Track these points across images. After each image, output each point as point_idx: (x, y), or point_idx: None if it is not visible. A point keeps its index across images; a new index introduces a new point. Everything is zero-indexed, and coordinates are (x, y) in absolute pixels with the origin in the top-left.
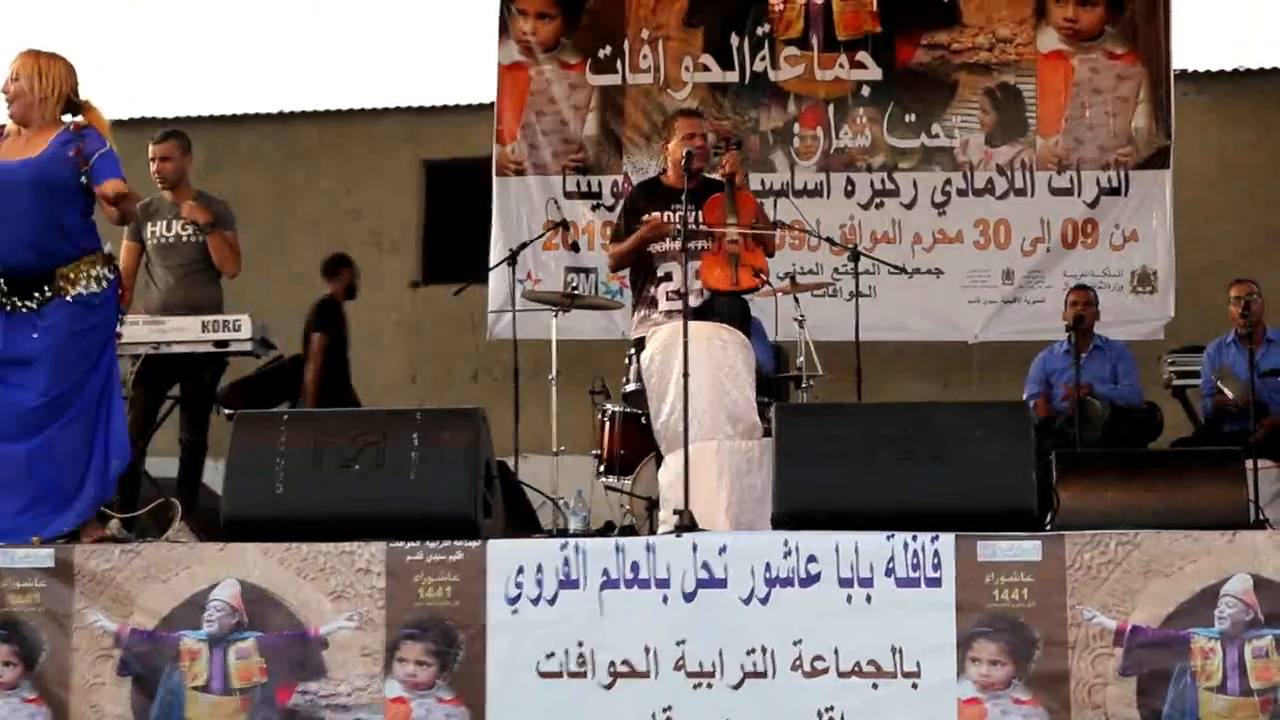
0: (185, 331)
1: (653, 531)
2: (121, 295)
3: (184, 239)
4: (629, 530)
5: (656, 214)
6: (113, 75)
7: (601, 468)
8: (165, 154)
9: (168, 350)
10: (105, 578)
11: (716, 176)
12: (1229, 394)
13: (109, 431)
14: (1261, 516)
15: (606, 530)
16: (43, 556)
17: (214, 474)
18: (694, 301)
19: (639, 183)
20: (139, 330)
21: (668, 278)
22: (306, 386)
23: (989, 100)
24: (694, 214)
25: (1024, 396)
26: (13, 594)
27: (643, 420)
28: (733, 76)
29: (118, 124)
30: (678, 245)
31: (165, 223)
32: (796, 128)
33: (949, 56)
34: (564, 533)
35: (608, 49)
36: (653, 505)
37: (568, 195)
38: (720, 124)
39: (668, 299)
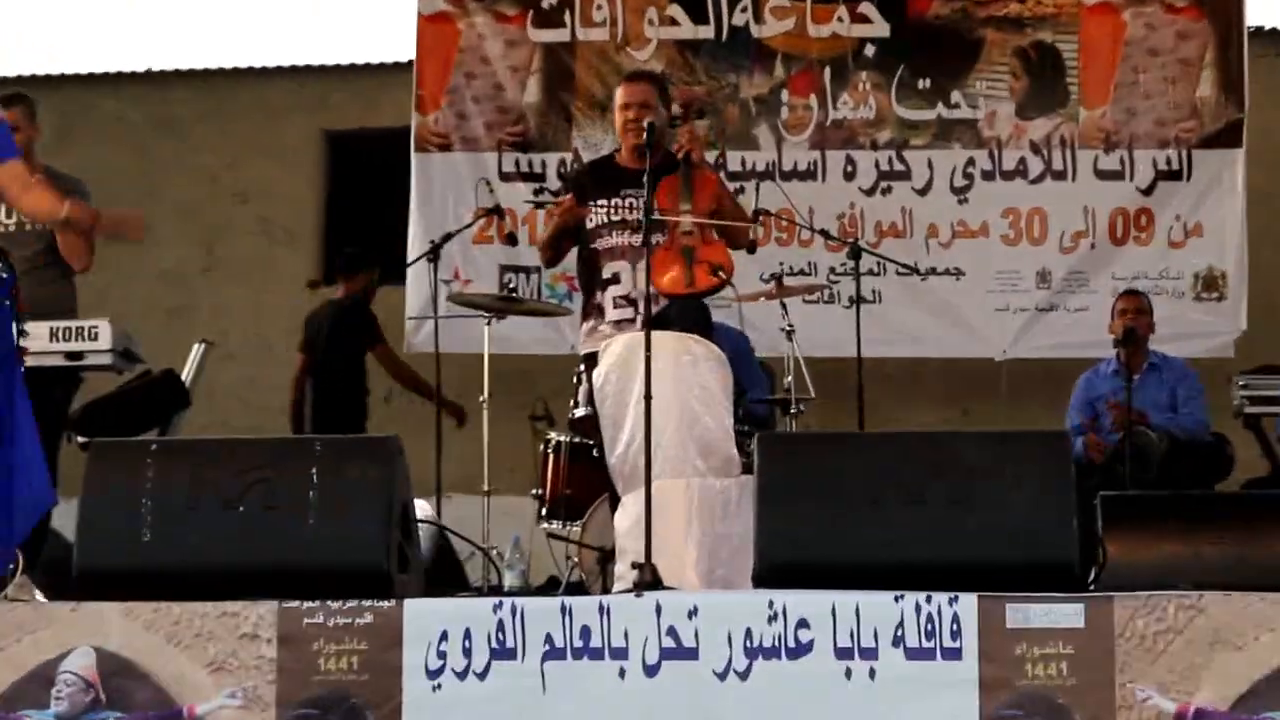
0: (30, 340)
1: (606, 590)
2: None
3: (27, 227)
4: (578, 588)
5: (604, 201)
6: None
7: (544, 511)
8: (14, 123)
9: None
10: None
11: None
12: None
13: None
14: None
15: (550, 588)
16: None
17: (65, 516)
18: (642, 309)
19: (589, 161)
20: None
21: (614, 279)
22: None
23: (1021, 62)
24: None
25: (1067, 427)
26: None
27: (594, 453)
28: (707, 32)
29: None
30: (625, 239)
31: (5, 207)
32: (785, 95)
33: (972, 8)
34: (498, 590)
35: None
36: (606, 557)
37: (504, 176)
38: (691, 91)
39: (615, 305)
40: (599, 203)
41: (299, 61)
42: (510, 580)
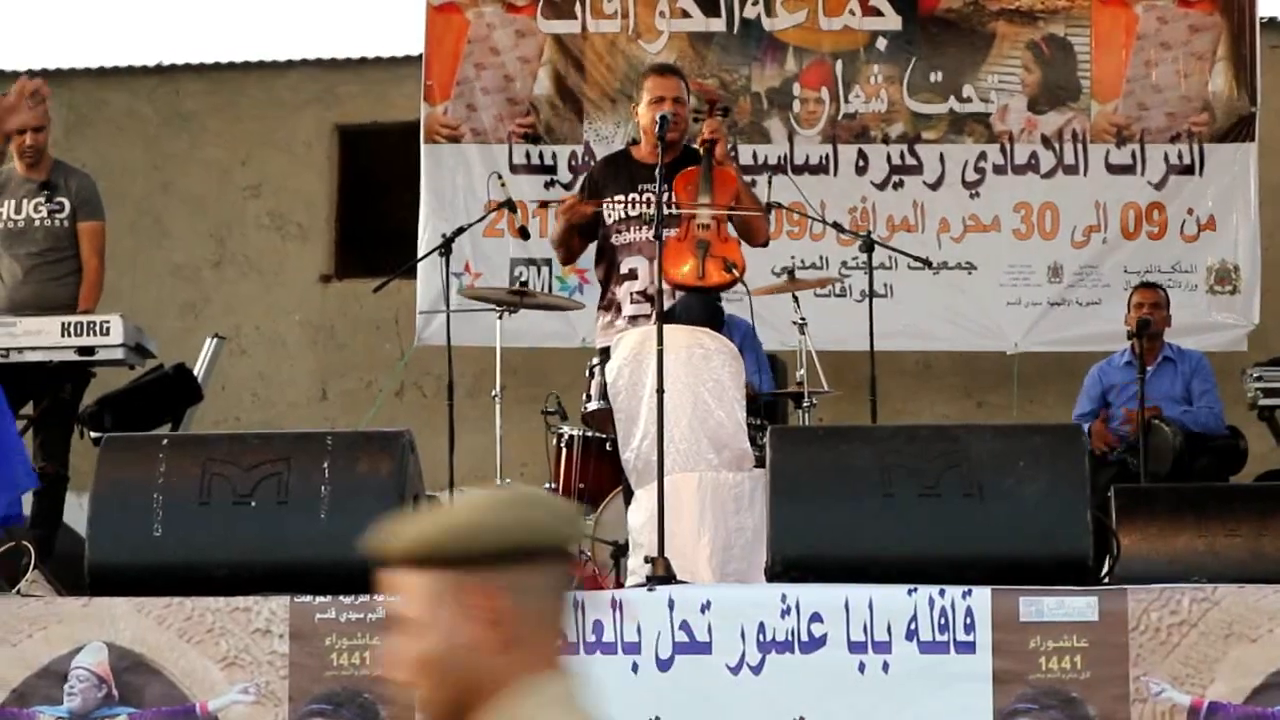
0: (42, 335)
1: (620, 584)
2: None
3: (37, 221)
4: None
5: (621, 196)
6: None
7: None
8: (39, 122)
9: (19, 359)
10: None
11: (699, 148)
12: None
13: None
14: None
15: None
16: None
17: (77, 511)
18: (665, 302)
19: (604, 156)
20: None
21: (631, 275)
22: None
23: (1033, 56)
24: (667, 194)
25: (1073, 417)
26: None
27: (608, 447)
28: (719, 25)
29: None
30: (643, 235)
31: (15, 202)
32: (797, 88)
33: (984, 2)
34: None
35: None
36: (620, 551)
37: (515, 169)
38: (703, 84)
39: (632, 301)
40: (616, 199)
41: (310, 55)
42: None
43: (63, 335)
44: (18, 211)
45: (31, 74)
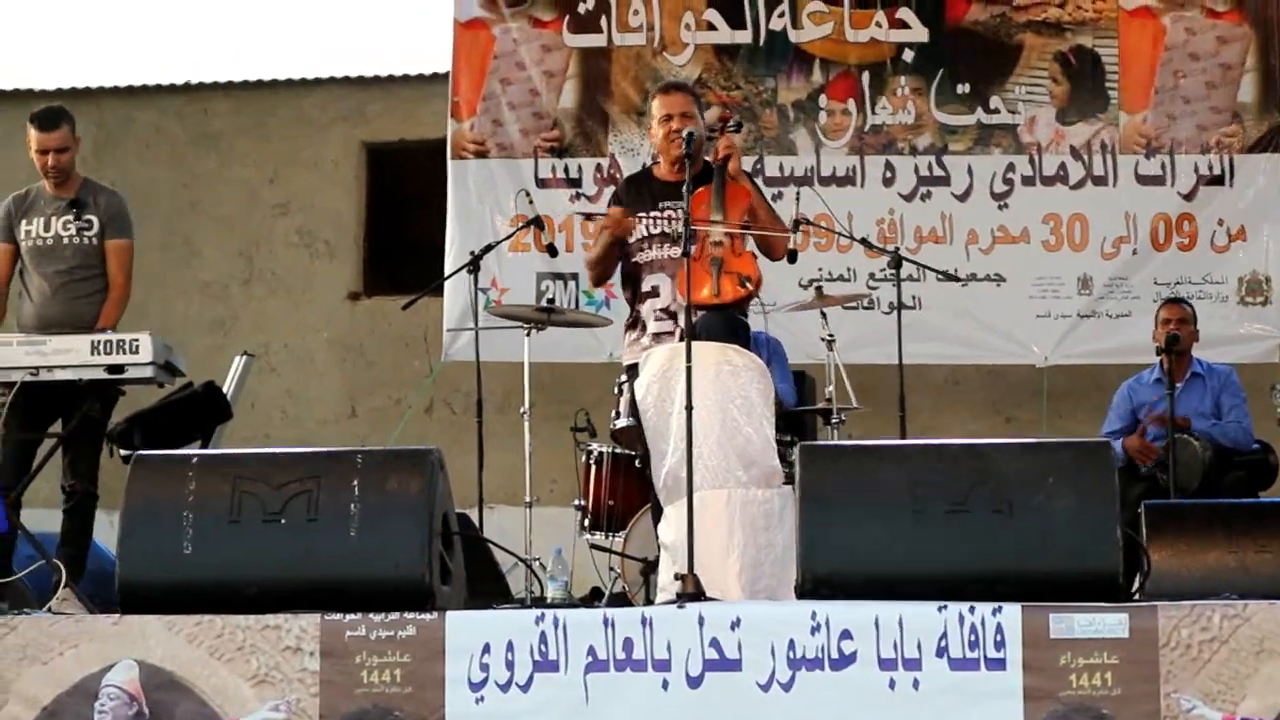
0: (71, 354)
1: (649, 601)
2: None
3: (66, 240)
4: (620, 599)
5: (644, 214)
6: None
7: (586, 522)
8: (61, 144)
9: (49, 377)
10: None
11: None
12: None
13: None
14: None
15: (593, 599)
16: None
17: (107, 529)
18: (682, 321)
19: (627, 176)
20: (12, 352)
21: (654, 293)
22: None
23: (1061, 67)
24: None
25: (1102, 433)
26: None
27: (636, 464)
28: (744, 37)
29: None
30: (665, 252)
31: (44, 220)
32: (823, 100)
33: (1011, 13)
34: (540, 602)
35: (590, 2)
36: (649, 568)
37: (541, 183)
38: (729, 96)
39: (655, 319)
40: (638, 215)
41: (337, 74)
42: (552, 592)
43: (92, 353)
44: (46, 230)
45: (61, 93)
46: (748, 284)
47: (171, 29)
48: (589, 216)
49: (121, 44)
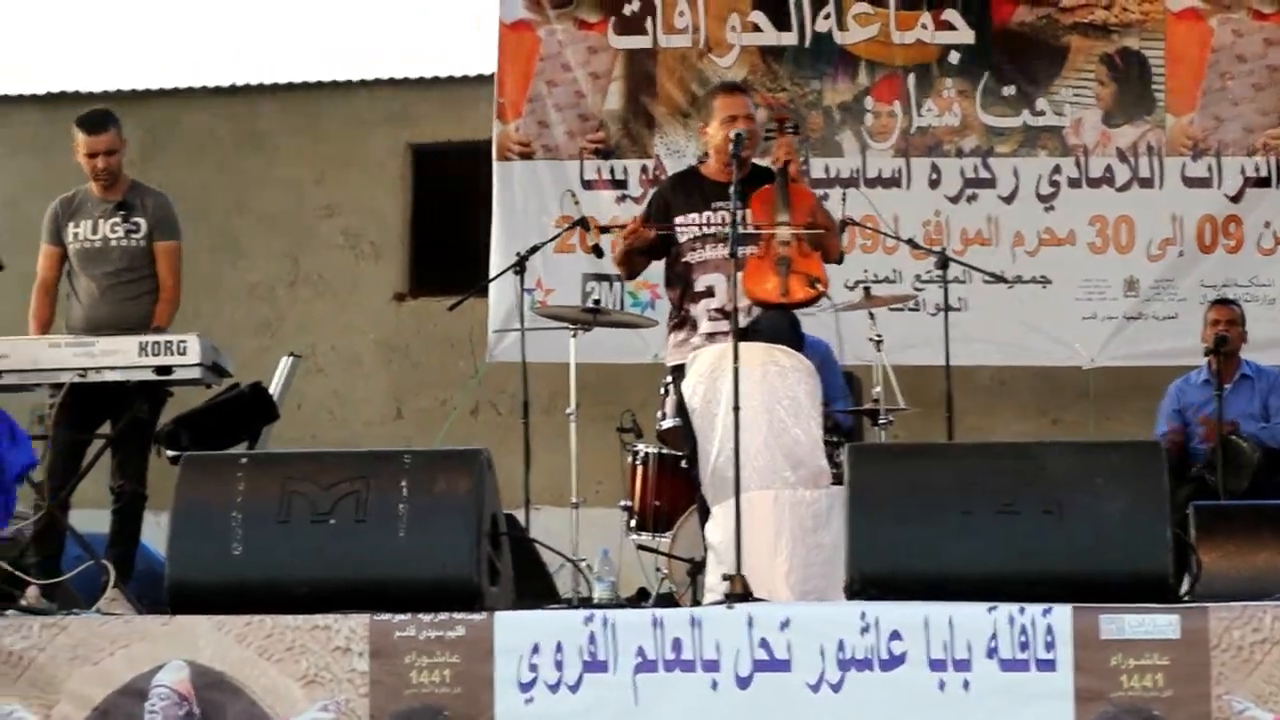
0: (119, 355)
1: (697, 601)
2: None
3: (114, 242)
4: (667, 600)
5: (694, 215)
6: (27, 45)
7: (632, 522)
8: (108, 146)
9: (97, 378)
10: (22, 659)
11: (766, 164)
12: None
13: None
14: None
15: (640, 599)
16: None
17: (155, 530)
18: (740, 320)
19: (673, 174)
20: (61, 354)
21: (708, 293)
22: None
23: (1107, 69)
24: (742, 211)
25: (1155, 435)
26: None
27: (683, 464)
28: (790, 39)
29: (32, 100)
30: (720, 253)
31: (91, 223)
32: (869, 102)
33: (1058, 15)
34: (587, 602)
35: (635, 4)
36: (696, 569)
37: (586, 184)
38: (774, 98)
39: (710, 319)
40: (688, 217)
41: (384, 75)
42: (600, 592)
43: (140, 354)
44: (94, 232)
45: (107, 95)
46: (817, 285)
47: (218, 31)
48: (605, 229)
49: (168, 46)
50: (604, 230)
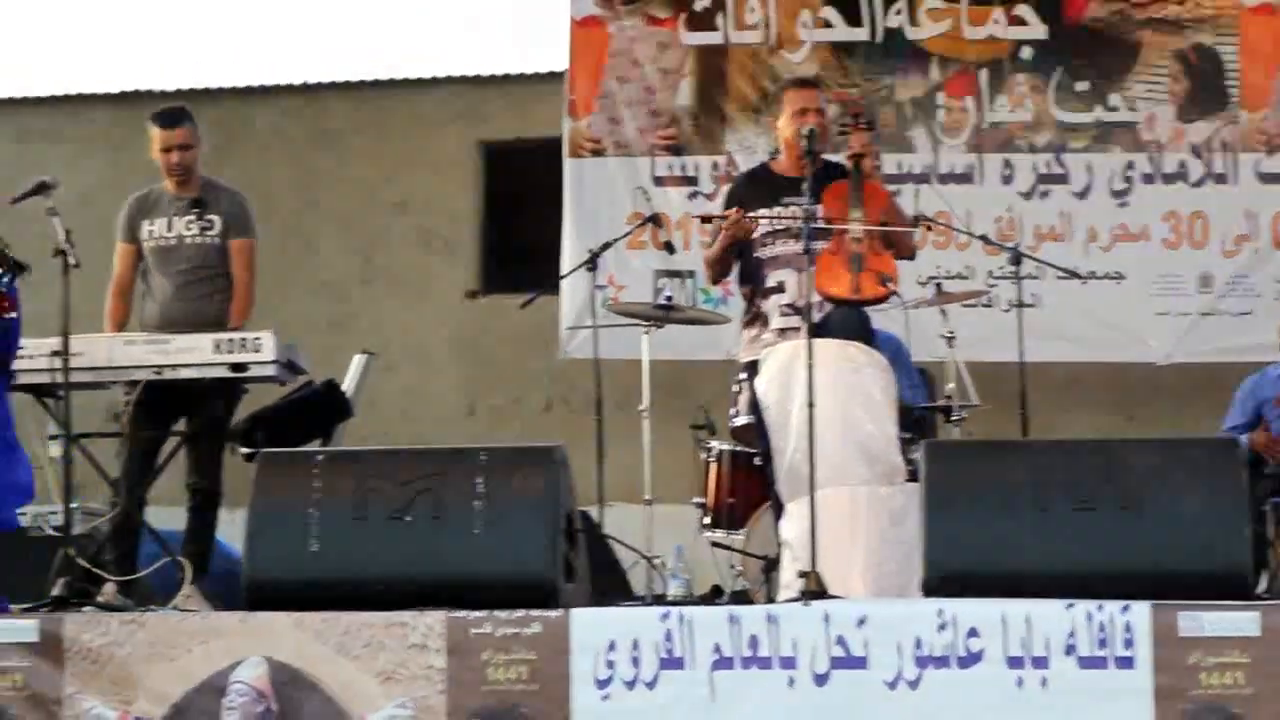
0: (194, 353)
1: (771, 599)
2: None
3: (188, 239)
4: (742, 597)
5: (764, 210)
6: (100, 42)
7: (706, 519)
8: (185, 141)
9: (172, 376)
10: (102, 655)
11: (839, 159)
12: None
13: None
14: None
15: (713, 597)
16: (25, 629)
17: (231, 527)
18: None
19: (744, 172)
20: (137, 351)
21: (779, 288)
22: None
23: (1180, 65)
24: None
25: (1224, 427)
26: None
27: (756, 461)
28: (861, 34)
29: (106, 99)
30: (791, 248)
31: (166, 220)
32: (941, 98)
33: (1130, 10)
34: (661, 600)
35: (706, 0)
36: (770, 566)
37: (658, 181)
38: (846, 94)
39: (781, 314)
40: (760, 212)
41: (454, 73)
42: (674, 589)
43: (215, 352)
44: (169, 230)
45: (180, 93)
46: (889, 283)
47: (289, 29)
48: (706, 219)
49: (239, 44)
50: (705, 220)
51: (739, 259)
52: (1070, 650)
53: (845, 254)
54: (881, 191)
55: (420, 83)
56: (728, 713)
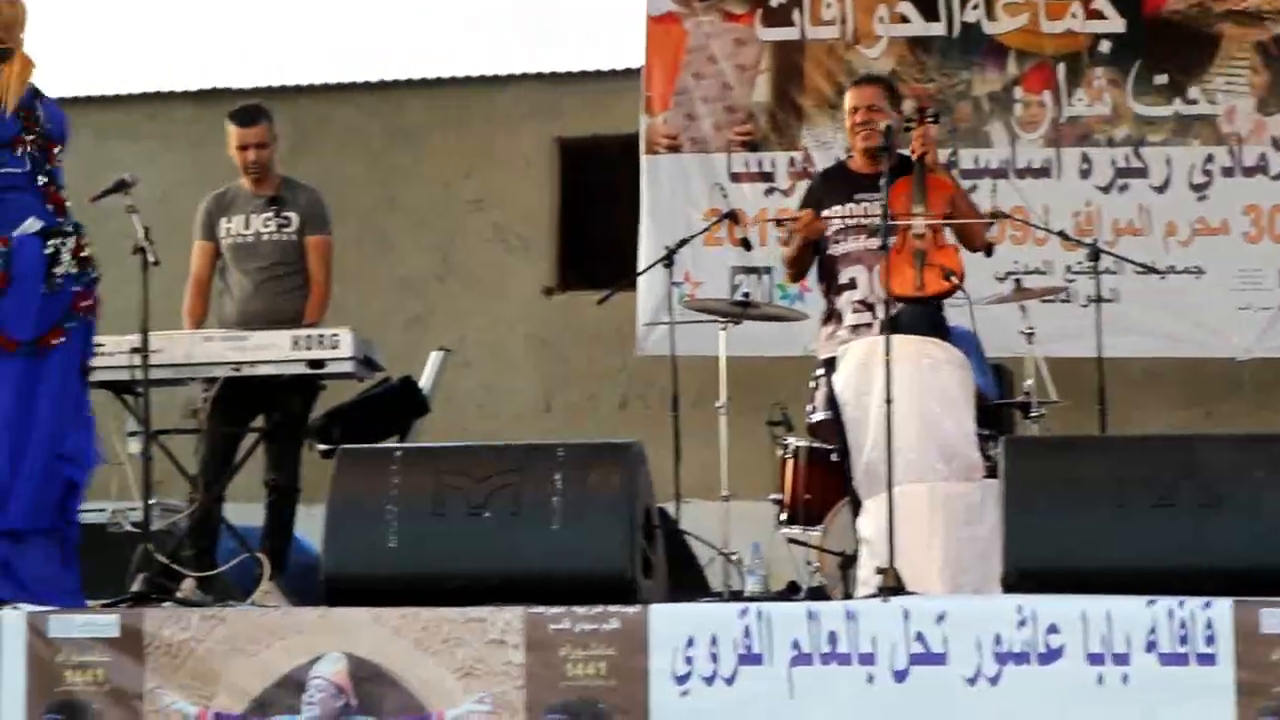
0: (272, 349)
1: (848, 595)
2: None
3: (265, 236)
4: (819, 593)
5: (839, 208)
6: (177, 40)
7: (783, 516)
8: (260, 139)
9: (250, 372)
10: (182, 650)
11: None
12: None
13: None
14: None
15: (791, 592)
16: (106, 624)
17: (308, 523)
18: (880, 313)
19: (822, 170)
20: (215, 348)
21: (851, 285)
22: None
23: (1261, 57)
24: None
25: None
26: (70, 669)
27: (834, 457)
28: (938, 29)
29: (184, 97)
30: (861, 244)
31: (243, 218)
32: (1018, 92)
33: (1210, 3)
34: (739, 595)
35: None
36: (847, 562)
37: (734, 177)
38: (923, 89)
39: (853, 311)
40: (834, 209)
41: (530, 70)
42: (751, 585)
43: (293, 349)
44: (246, 227)
45: (257, 91)
46: (952, 277)
47: (367, 27)
48: (779, 222)
49: (318, 42)
50: (779, 223)
51: (816, 256)
52: (1151, 647)
53: (909, 251)
54: (946, 183)
55: (497, 80)
56: (807, 709)
